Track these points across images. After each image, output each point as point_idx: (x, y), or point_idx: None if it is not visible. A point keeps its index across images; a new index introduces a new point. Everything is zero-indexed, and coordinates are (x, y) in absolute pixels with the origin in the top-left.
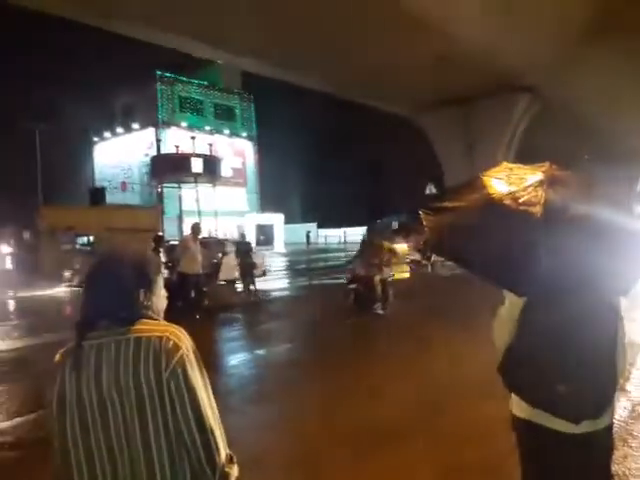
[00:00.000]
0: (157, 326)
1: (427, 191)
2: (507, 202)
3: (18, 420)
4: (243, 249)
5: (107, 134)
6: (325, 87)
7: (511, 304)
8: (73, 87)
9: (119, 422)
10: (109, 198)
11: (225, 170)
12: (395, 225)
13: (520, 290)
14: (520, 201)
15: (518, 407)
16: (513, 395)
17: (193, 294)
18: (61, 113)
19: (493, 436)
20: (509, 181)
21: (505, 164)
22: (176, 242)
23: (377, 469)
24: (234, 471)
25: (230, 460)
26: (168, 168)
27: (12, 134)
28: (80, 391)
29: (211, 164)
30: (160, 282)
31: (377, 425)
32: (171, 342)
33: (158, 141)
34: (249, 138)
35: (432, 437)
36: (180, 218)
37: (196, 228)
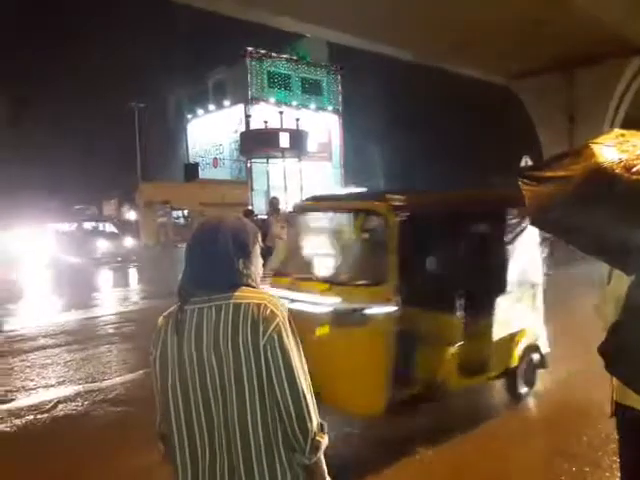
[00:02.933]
0: (255, 293)
1: (523, 163)
2: (618, 171)
3: (128, 377)
4: None
5: (200, 111)
6: (418, 57)
7: (617, 282)
8: (170, 66)
9: (216, 383)
10: (201, 174)
11: (311, 145)
12: None
13: (630, 268)
14: (633, 170)
15: (620, 393)
16: (614, 380)
17: None
18: (158, 92)
19: None
20: (621, 149)
21: (616, 131)
22: (264, 217)
23: None
24: (325, 441)
25: (321, 429)
26: (256, 143)
27: (113, 113)
28: (181, 352)
29: (298, 139)
30: (258, 252)
31: None
32: (269, 309)
33: (248, 117)
34: (335, 112)
35: None
36: (267, 193)
37: (274, 202)
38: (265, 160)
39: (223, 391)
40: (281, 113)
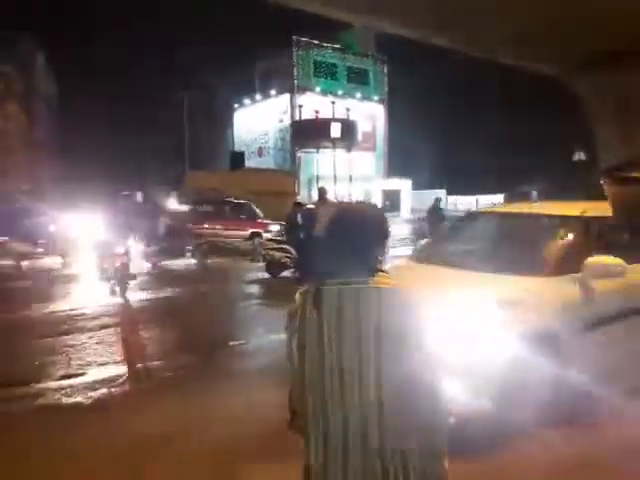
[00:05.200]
0: (392, 279)
1: (575, 158)
2: None
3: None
4: None
5: (247, 100)
6: (470, 49)
7: None
8: (218, 56)
9: (355, 365)
10: (247, 163)
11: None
12: (535, 195)
13: None
14: None
15: None
16: None
17: None
18: (206, 81)
19: None
20: None
21: None
22: (312, 206)
23: None
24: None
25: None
26: (308, 133)
27: (163, 102)
28: (321, 332)
29: (349, 129)
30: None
31: None
32: (407, 293)
33: (300, 107)
34: (380, 101)
35: None
36: (313, 183)
37: (322, 192)
38: (314, 150)
39: (360, 373)
40: (333, 103)
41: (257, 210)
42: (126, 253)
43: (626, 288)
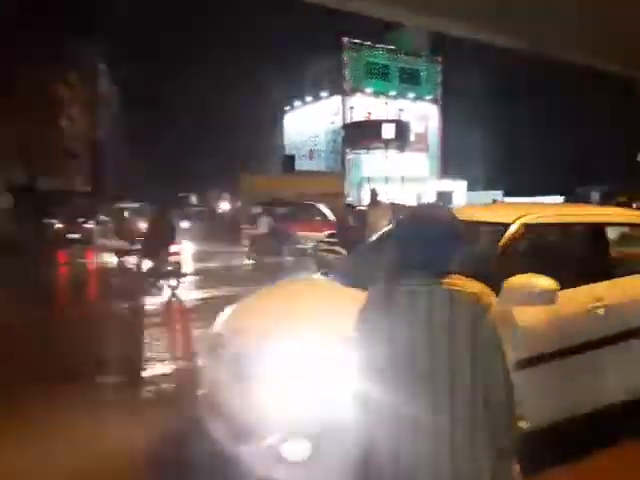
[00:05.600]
0: (468, 282)
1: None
2: None
3: None
4: None
5: (297, 103)
6: (534, 48)
7: None
8: (270, 59)
9: (426, 367)
10: (298, 165)
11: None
12: (596, 196)
13: None
14: None
15: None
16: None
17: None
18: (258, 85)
19: None
20: None
21: None
22: (363, 208)
23: None
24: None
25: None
26: (360, 135)
27: (216, 106)
28: (392, 331)
29: (402, 130)
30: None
31: None
32: (487, 300)
33: (351, 108)
34: (433, 101)
35: None
36: (363, 184)
37: (374, 194)
38: (366, 151)
39: (432, 372)
40: (386, 104)
41: (329, 211)
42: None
43: (560, 319)
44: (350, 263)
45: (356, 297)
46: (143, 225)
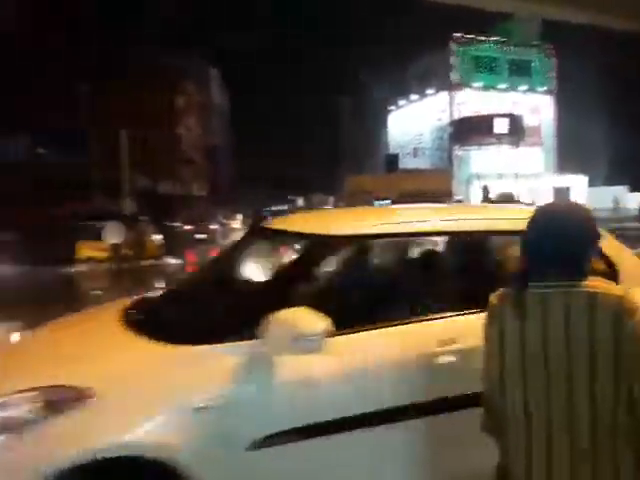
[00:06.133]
0: (609, 284)
1: None
2: None
3: None
4: None
5: (402, 101)
6: None
7: None
8: (372, 58)
9: (562, 370)
10: (402, 164)
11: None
12: None
13: None
14: None
15: None
16: None
17: None
18: (361, 84)
19: None
20: None
21: None
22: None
23: None
24: None
25: None
26: (470, 131)
27: (318, 107)
28: (523, 335)
29: (515, 124)
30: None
31: None
32: (631, 303)
33: (460, 104)
34: (547, 92)
35: None
36: (472, 182)
37: (486, 191)
38: (477, 147)
39: (569, 378)
40: (498, 99)
41: None
42: None
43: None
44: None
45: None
46: None
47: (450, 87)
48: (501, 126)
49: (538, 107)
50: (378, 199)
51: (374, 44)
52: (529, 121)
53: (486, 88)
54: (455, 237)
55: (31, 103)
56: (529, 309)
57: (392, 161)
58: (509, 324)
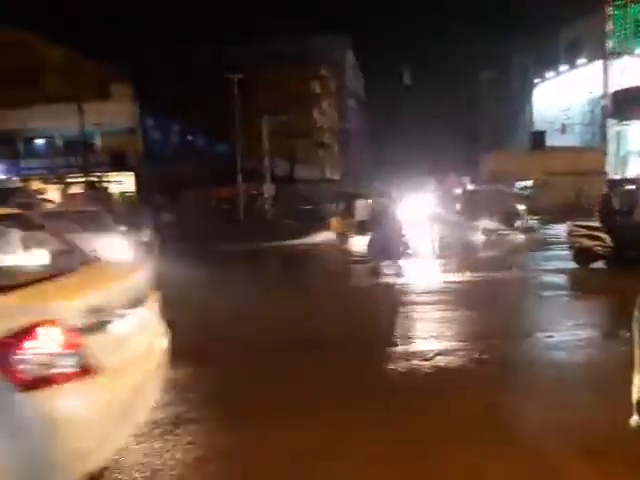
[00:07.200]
0: None
1: None
2: None
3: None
4: None
5: (549, 74)
6: None
7: None
8: (515, 30)
9: None
10: (548, 141)
11: None
12: None
13: None
14: None
15: None
16: None
17: None
18: (503, 58)
19: None
20: None
21: None
22: (632, 187)
23: None
24: None
25: None
26: (630, 103)
27: (456, 85)
28: None
29: None
30: None
31: None
32: None
33: (616, 74)
34: None
35: None
36: (629, 159)
37: None
38: (636, 121)
39: None
40: None
41: None
42: None
43: None
44: None
45: None
46: None
47: (605, 55)
48: None
49: None
50: (520, 180)
51: (518, 11)
52: None
53: None
54: None
55: (184, 92)
56: None
57: (538, 138)
58: None
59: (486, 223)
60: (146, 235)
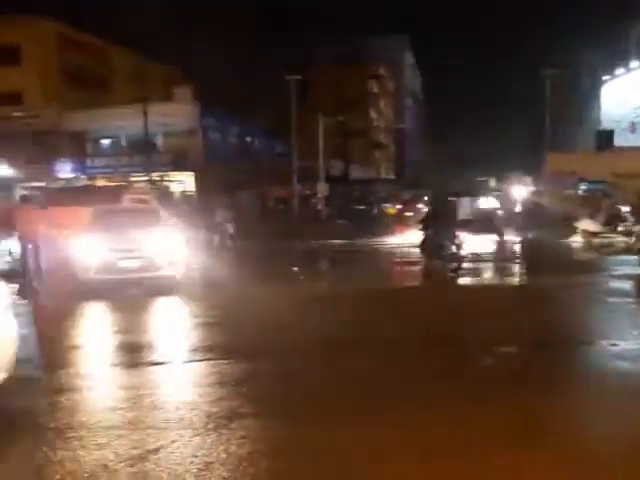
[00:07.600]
0: None
1: None
2: None
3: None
4: None
5: (619, 70)
6: None
7: None
8: (583, 25)
9: None
10: (616, 141)
11: None
12: None
13: None
14: None
15: None
16: None
17: None
18: (571, 56)
19: None
20: None
21: None
22: None
23: None
24: None
25: None
26: None
27: (519, 82)
28: None
29: None
30: None
31: None
32: None
33: None
34: None
35: None
36: None
37: None
38: None
39: None
40: None
41: None
42: None
43: None
44: None
45: None
46: None
47: None
48: None
49: None
50: (583, 180)
51: (585, 5)
52: None
53: None
54: None
55: (244, 94)
56: None
57: (605, 138)
58: None
59: (587, 224)
60: (204, 234)
